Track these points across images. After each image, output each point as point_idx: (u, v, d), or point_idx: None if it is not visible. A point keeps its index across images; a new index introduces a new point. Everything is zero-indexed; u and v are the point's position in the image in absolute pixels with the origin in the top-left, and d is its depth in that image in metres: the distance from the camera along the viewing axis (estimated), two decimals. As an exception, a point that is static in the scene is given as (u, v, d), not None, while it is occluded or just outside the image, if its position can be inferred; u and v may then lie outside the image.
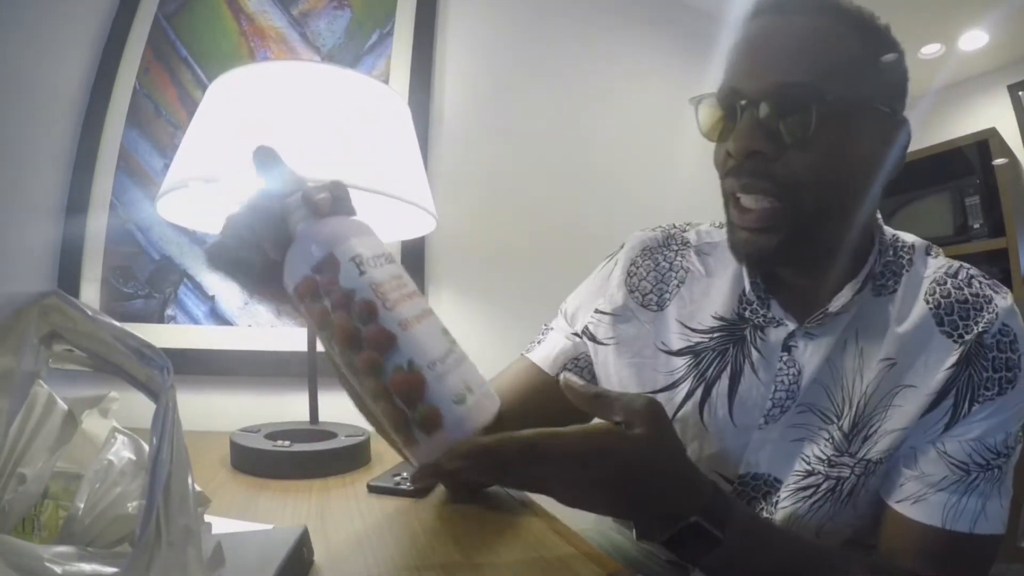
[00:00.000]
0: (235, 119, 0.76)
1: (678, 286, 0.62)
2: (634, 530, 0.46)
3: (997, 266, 1.91)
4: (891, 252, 0.56)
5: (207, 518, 0.32)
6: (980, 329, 0.50)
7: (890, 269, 0.55)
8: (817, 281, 0.55)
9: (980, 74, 2.27)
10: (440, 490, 0.65)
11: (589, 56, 1.60)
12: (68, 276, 1.03)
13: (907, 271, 0.55)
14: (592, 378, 0.64)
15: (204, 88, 0.87)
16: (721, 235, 0.61)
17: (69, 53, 1.10)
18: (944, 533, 0.48)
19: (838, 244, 0.53)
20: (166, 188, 0.77)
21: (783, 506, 0.54)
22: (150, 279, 1.10)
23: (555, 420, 0.63)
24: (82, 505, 0.31)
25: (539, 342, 0.68)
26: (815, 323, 0.54)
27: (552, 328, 0.69)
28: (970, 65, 2.22)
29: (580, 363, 0.64)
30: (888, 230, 0.58)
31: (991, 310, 0.51)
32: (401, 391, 0.33)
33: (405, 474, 0.67)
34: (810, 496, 0.53)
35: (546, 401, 0.62)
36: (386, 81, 1.28)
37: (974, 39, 2.06)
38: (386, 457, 0.81)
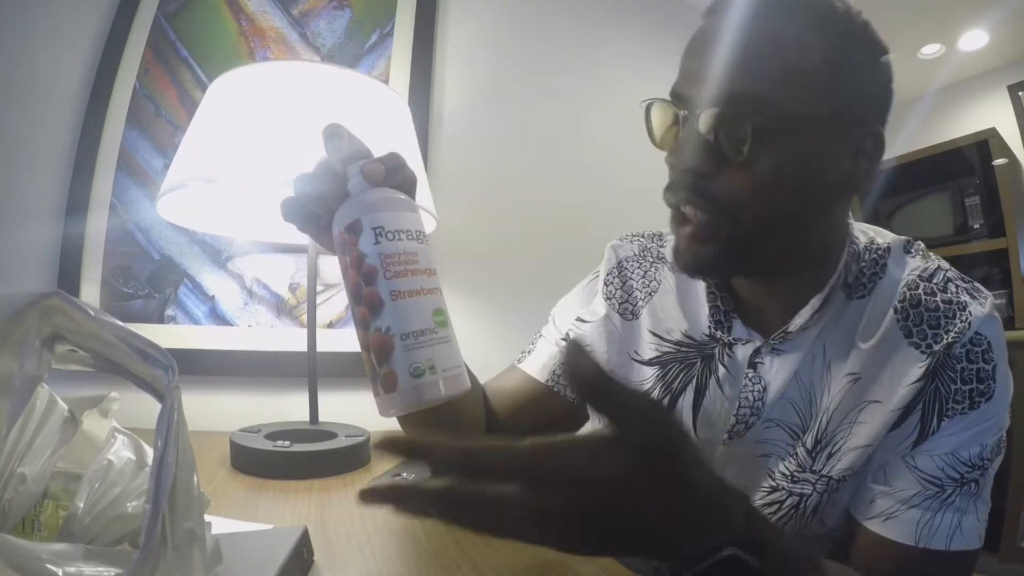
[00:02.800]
0: (235, 119, 0.76)
1: (650, 295, 0.62)
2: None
3: (997, 266, 1.91)
4: (866, 257, 0.53)
5: (207, 518, 0.32)
6: (950, 339, 0.46)
7: (865, 275, 0.52)
8: (778, 295, 0.53)
9: (980, 74, 2.28)
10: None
11: (589, 56, 1.60)
12: (68, 276, 1.03)
13: (881, 277, 0.52)
14: None
15: (204, 88, 0.87)
16: None
17: (69, 53, 1.10)
18: (918, 551, 0.45)
19: (793, 258, 0.50)
20: (166, 188, 0.77)
21: None
22: (150, 279, 1.10)
23: (549, 427, 0.64)
24: (82, 505, 0.31)
25: (529, 352, 0.69)
26: (779, 339, 0.52)
27: (542, 336, 0.70)
28: (970, 65, 2.22)
29: None
30: (862, 236, 0.54)
31: (963, 318, 0.47)
32: (375, 348, 0.38)
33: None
34: (775, 513, 0.51)
35: (539, 409, 0.65)
36: (386, 81, 1.28)
37: (974, 39, 2.07)
38: (385, 457, 0.81)
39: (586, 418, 0.67)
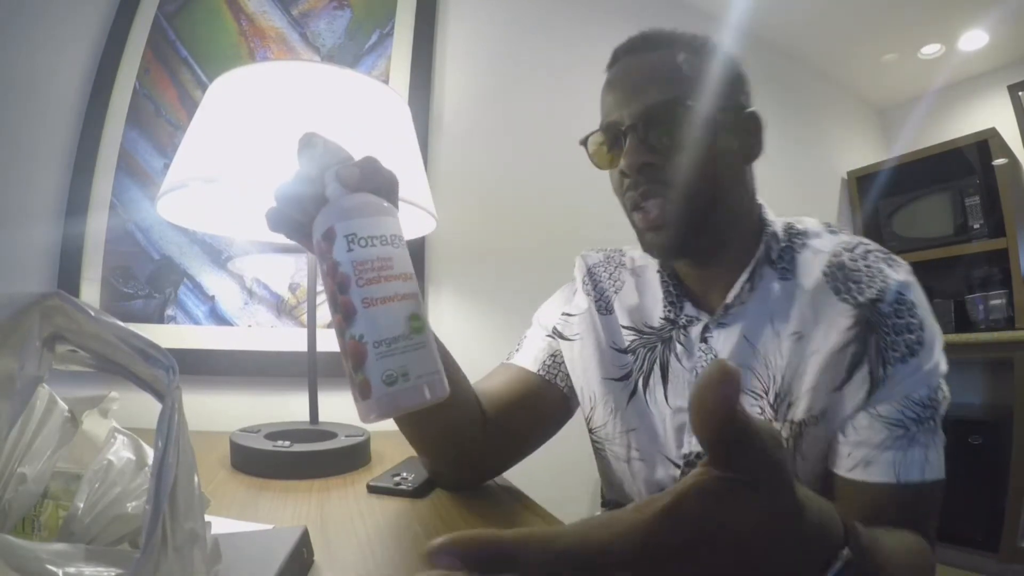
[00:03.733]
0: (235, 119, 0.76)
1: (615, 294, 0.72)
2: None
3: (997, 266, 1.91)
4: (786, 239, 0.64)
5: (207, 518, 0.32)
6: (873, 296, 0.56)
7: (789, 253, 0.63)
8: (715, 278, 0.63)
9: (980, 74, 2.28)
10: (440, 490, 0.65)
11: (589, 56, 1.60)
12: (68, 276, 1.03)
13: (802, 252, 0.62)
14: (567, 372, 0.71)
15: (204, 88, 0.87)
16: (646, 259, 0.72)
17: (69, 53, 1.10)
18: (899, 487, 0.52)
19: (724, 233, 0.61)
20: (166, 188, 0.77)
21: None
22: (150, 279, 1.10)
23: (543, 417, 0.69)
24: (82, 505, 0.31)
25: (517, 349, 0.76)
26: (722, 314, 0.62)
27: (527, 336, 0.77)
28: (970, 65, 2.22)
29: (557, 359, 0.72)
30: (779, 222, 0.65)
31: (883, 279, 0.56)
32: (350, 356, 0.39)
33: (405, 474, 0.68)
34: None
35: (533, 402, 0.70)
36: (386, 81, 1.28)
37: (974, 39, 2.07)
38: (386, 457, 0.81)
39: (574, 408, 0.73)
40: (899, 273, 0.57)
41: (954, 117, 2.35)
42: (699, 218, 0.59)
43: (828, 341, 0.56)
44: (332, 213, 0.41)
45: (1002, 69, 2.21)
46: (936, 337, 0.56)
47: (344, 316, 0.39)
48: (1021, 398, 1.68)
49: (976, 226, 1.94)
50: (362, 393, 0.38)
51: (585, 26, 1.63)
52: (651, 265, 0.70)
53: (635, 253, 0.75)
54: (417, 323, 0.40)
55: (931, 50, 2.14)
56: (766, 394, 0.59)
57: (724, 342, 0.61)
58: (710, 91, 0.59)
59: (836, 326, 0.56)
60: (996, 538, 1.66)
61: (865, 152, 2.44)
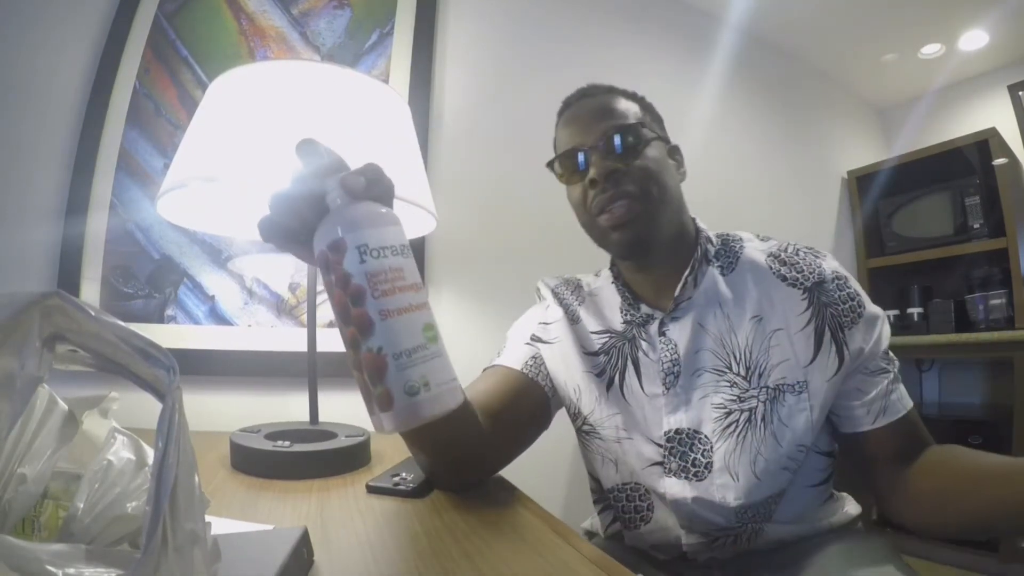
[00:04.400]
0: (235, 119, 0.76)
1: (579, 305, 0.81)
2: None
3: (997, 266, 1.91)
4: (720, 243, 0.77)
5: (207, 518, 0.32)
6: (816, 279, 0.71)
7: (725, 254, 0.76)
8: (662, 281, 0.74)
9: (980, 74, 2.28)
10: (439, 491, 0.65)
11: (589, 56, 1.60)
12: (68, 276, 1.03)
13: (742, 253, 0.75)
14: (548, 373, 0.78)
15: (204, 88, 0.87)
16: (598, 282, 0.84)
17: (69, 53, 1.09)
18: (906, 417, 0.68)
19: (671, 235, 0.73)
20: (166, 188, 0.77)
21: (717, 446, 0.68)
22: (150, 279, 1.10)
23: (526, 413, 0.77)
24: (82, 505, 0.31)
25: (499, 353, 0.81)
26: (672, 310, 0.73)
27: (507, 342, 0.82)
28: (970, 65, 2.22)
29: (538, 360, 0.78)
30: (711, 231, 0.78)
31: (817, 265, 0.72)
32: (368, 369, 0.38)
33: (404, 474, 0.68)
34: (733, 431, 0.68)
35: (522, 398, 0.75)
36: (386, 81, 1.28)
37: (974, 39, 2.07)
38: (386, 457, 0.81)
39: (553, 412, 0.79)
40: (828, 260, 0.74)
41: (954, 117, 2.35)
42: (656, 218, 0.70)
43: (788, 320, 0.70)
44: (339, 223, 0.39)
45: (1002, 69, 2.21)
46: (869, 300, 0.72)
47: (359, 329, 0.38)
48: (1021, 398, 1.68)
49: (976, 226, 1.94)
50: (381, 405, 0.38)
51: (585, 26, 1.63)
52: (604, 284, 0.82)
53: (587, 278, 0.86)
54: (431, 332, 0.39)
55: (931, 50, 2.14)
56: (729, 369, 0.70)
57: (680, 331, 0.72)
58: (644, 121, 0.73)
59: (793, 308, 0.70)
60: (996, 538, 1.66)
61: (865, 152, 2.44)
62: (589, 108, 0.74)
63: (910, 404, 0.69)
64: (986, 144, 1.95)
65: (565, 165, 0.74)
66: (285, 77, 0.78)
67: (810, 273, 0.71)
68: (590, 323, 0.79)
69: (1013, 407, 1.70)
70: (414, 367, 0.37)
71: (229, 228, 0.95)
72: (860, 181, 2.28)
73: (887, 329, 0.72)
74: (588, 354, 0.77)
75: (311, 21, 1.27)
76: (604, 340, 0.77)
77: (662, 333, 0.73)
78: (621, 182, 0.69)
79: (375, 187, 0.43)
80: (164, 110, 1.14)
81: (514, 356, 0.79)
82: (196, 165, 0.75)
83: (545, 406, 0.77)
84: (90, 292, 1.05)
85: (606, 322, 0.78)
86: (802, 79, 2.28)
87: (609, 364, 0.76)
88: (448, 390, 0.39)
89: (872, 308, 0.71)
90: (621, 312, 0.77)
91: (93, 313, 0.28)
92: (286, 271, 1.19)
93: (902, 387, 0.70)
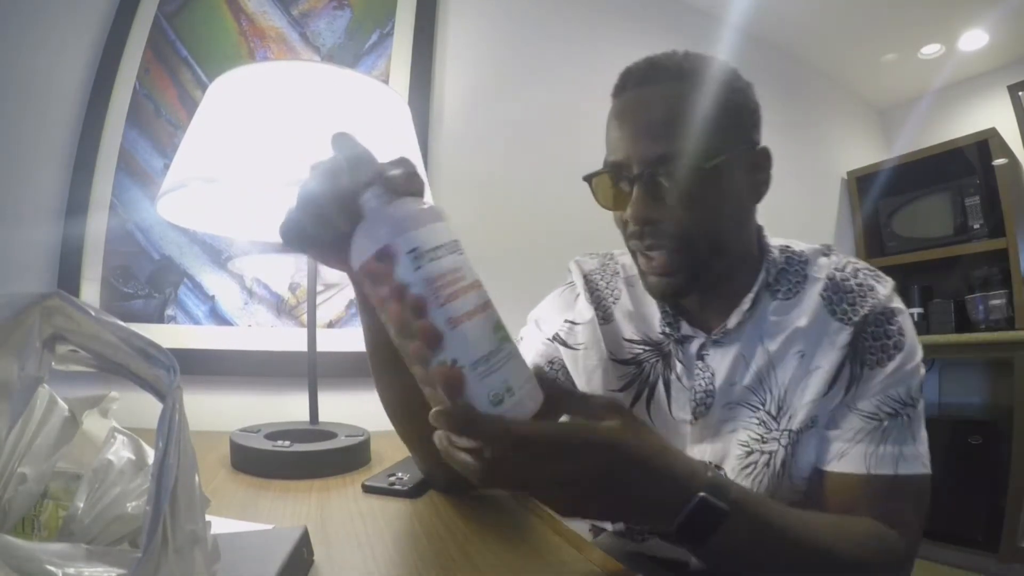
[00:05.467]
0: (235, 119, 0.76)
1: (614, 303, 0.72)
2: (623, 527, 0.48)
3: (997, 266, 1.91)
4: (784, 262, 0.65)
5: (207, 518, 0.32)
6: (865, 312, 0.60)
7: (786, 277, 0.64)
8: (714, 299, 0.64)
9: (980, 74, 2.27)
10: (436, 491, 0.65)
11: (589, 56, 1.60)
12: (68, 276, 1.03)
13: (804, 276, 0.64)
14: (566, 377, 0.71)
15: (204, 88, 0.87)
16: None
17: (69, 53, 1.09)
18: (872, 478, 0.56)
19: (729, 268, 0.62)
20: (166, 188, 0.77)
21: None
22: (150, 279, 1.10)
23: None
24: (82, 505, 0.31)
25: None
26: (719, 334, 0.63)
27: (523, 338, 0.75)
28: (970, 65, 2.22)
29: (555, 365, 0.71)
30: (776, 246, 0.66)
31: (873, 297, 0.60)
32: (444, 385, 0.35)
33: (400, 474, 0.68)
34: (751, 472, 0.61)
35: None
36: (386, 81, 1.28)
37: (974, 39, 2.06)
38: (385, 457, 0.81)
39: (565, 410, 0.70)
40: (885, 287, 0.62)
41: (954, 117, 2.35)
42: (702, 266, 0.59)
43: (828, 358, 0.59)
44: (383, 227, 0.35)
45: (1002, 69, 2.21)
46: (915, 343, 0.60)
47: (427, 342, 0.34)
48: (1021, 398, 1.67)
49: (976, 226, 1.94)
50: None
51: (585, 26, 1.63)
52: None
53: (626, 260, 0.74)
54: (502, 332, 0.36)
55: (931, 50, 2.14)
56: (763, 406, 0.61)
57: (720, 360, 0.63)
58: (723, 130, 0.57)
59: (834, 344, 0.60)
60: (996, 538, 1.66)
61: (865, 152, 2.44)
62: (642, 107, 0.58)
63: (882, 471, 0.55)
64: (986, 144, 1.95)
65: (601, 186, 0.62)
66: (285, 77, 0.78)
67: (861, 306, 0.60)
68: (625, 327, 0.70)
69: (1013, 407, 1.70)
70: (494, 373, 0.35)
71: (229, 228, 0.95)
72: (860, 181, 2.28)
73: (916, 384, 0.59)
74: (617, 361, 0.69)
75: (311, 22, 1.27)
76: (638, 351, 0.69)
77: (700, 357, 0.64)
78: (662, 231, 0.58)
79: (414, 181, 0.40)
80: (164, 110, 1.14)
81: (528, 357, 0.71)
82: (196, 165, 0.75)
83: (555, 411, 0.72)
84: (90, 292, 1.05)
85: (643, 328, 0.69)
86: (802, 79, 2.28)
87: (640, 378, 0.68)
88: (530, 390, 0.37)
89: (913, 358, 0.59)
90: (661, 319, 0.67)
91: (93, 313, 0.28)
92: (286, 271, 1.19)
93: (887, 449, 0.56)
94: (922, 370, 0.60)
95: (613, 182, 0.60)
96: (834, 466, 0.58)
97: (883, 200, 2.20)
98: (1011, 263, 1.86)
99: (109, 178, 1.08)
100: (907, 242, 2.12)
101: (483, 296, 0.36)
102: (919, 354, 0.60)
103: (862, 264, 0.65)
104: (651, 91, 0.57)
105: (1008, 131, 2.06)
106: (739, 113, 0.60)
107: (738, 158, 0.59)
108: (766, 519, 0.47)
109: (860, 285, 0.62)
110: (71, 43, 1.10)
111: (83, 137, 1.07)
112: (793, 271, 0.65)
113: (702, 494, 0.42)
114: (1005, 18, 1.92)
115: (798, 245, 0.67)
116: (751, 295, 0.62)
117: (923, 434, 0.58)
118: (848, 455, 0.57)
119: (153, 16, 1.15)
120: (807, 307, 0.62)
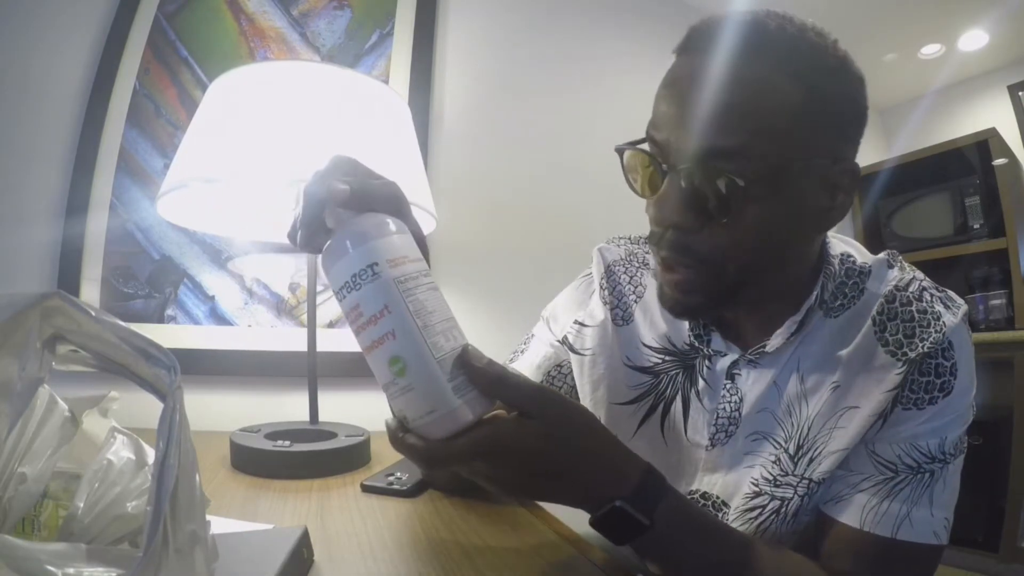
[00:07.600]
0: (235, 119, 0.76)
1: (636, 301, 0.63)
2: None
3: (997, 266, 1.91)
4: (844, 274, 0.53)
5: (207, 518, 0.32)
6: (925, 350, 0.47)
7: (842, 292, 0.53)
8: (755, 316, 0.54)
9: (980, 74, 2.27)
10: (435, 490, 0.65)
11: (590, 55, 1.60)
12: (68, 276, 1.03)
13: (860, 291, 0.52)
14: (573, 385, 0.64)
15: (204, 88, 0.87)
16: None
17: (69, 53, 1.09)
18: (863, 535, 0.46)
19: (774, 291, 0.52)
20: (166, 188, 0.77)
21: (733, 523, 0.53)
22: (150, 279, 1.10)
23: None
24: (82, 504, 0.31)
25: (522, 351, 0.69)
26: (757, 354, 0.53)
27: (534, 336, 0.70)
28: (970, 65, 2.22)
29: (563, 369, 0.65)
30: (838, 255, 0.54)
31: (938, 328, 0.48)
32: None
33: (399, 474, 0.68)
34: (756, 517, 0.52)
35: None
36: (386, 81, 1.28)
37: (974, 39, 2.06)
38: (385, 457, 0.81)
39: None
40: (955, 316, 0.49)
41: (954, 117, 2.35)
42: (728, 294, 0.49)
43: (870, 401, 0.48)
44: (326, 265, 0.40)
45: (1002, 69, 2.21)
46: (968, 387, 0.48)
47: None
48: (1021, 398, 1.67)
49: (976, 226, 1.94)
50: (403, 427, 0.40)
51: (586, 25, 1.63)
52: None
53: None
54: (398, 365, 0.37)
55: (931, 50, 2.14)
56: (784, 443, 0.52)
57: (752, 384, 0.54)
58: (812, 140, 0.44)
59: (880, 382, 0.48)
60: (996, 538, 1.66)
61: (865, 152, 2.41)
62: (698, 82, 0.44)
63: (879, 531, 0.46)
64: (986, 144, 1.95)
65: (633, 164, 0.51)
66: (285, 78, 0.78)
67: (921, 339, 0.48)
68: (645, 332, 0.61)
69: (1013, 407, 1.70)
70: (393, 401, 0.38)
71: (229, 228, 0.95)
72: (860, 181, 2.28)
73: (955, 438, 0.48)
74: (632, 368, 0.61)
75: (311, 22, 1.27)
76: (657, 360, 0.60)
77: (730, 377, 0.55)
78: (688, 244, 0.46)
79: (361, 198, 0.40)
80: (164, 110, 1.14)
81: (534, 362, 0.66)
82: (196, 166, 0.75)
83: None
84: (90, 292, 1.05)
85: (667, 333, 0.60)
86: (802, 79, 2.27)
87: (656, 390, 0.60)
88: (429, 423, 0.37)
89: (959, 407, 0.48)
90: (690, 325, 0.58)
91: (93, 313, 0.28)
92: (286, 271, 1.19)
93: (892, 507, 0.47)
94: (968, 418, 0.49)
95: (648, 161, 0.48)
96: (830, 508, 0.49)
97: (883, 200, 2.20)
98: (1011, 263, 1.86)
99: (109, 178, 1.08)
100: (907, 242, 2.12)
101: (384, 327, 0.37)
102: (968, 400, 0.48)
103: (929, 283, 0.52)
104: (715, 65, 0.43)
105: (1008, 131, 2.06)
106: (835, 114, 0.45)
107: (811, 172, 0.45)
108: (694, 543, 0.43)
109: (924, 312, 0.49)
110: (71, 43, 1.10)
111: (83, 137, 1.07)
112: (852, 284, 0.53)
113: (618, 503, 0.40)
114: (1005, 18, 1.92)
115: (862, 254, 0.56)
116: (799, 316, 0.51)
117: (947, 499, 0.48)
118: (844, 501, 0.48)
119: (153, 16, 1.15)
120: (857, 331, 0.51)
